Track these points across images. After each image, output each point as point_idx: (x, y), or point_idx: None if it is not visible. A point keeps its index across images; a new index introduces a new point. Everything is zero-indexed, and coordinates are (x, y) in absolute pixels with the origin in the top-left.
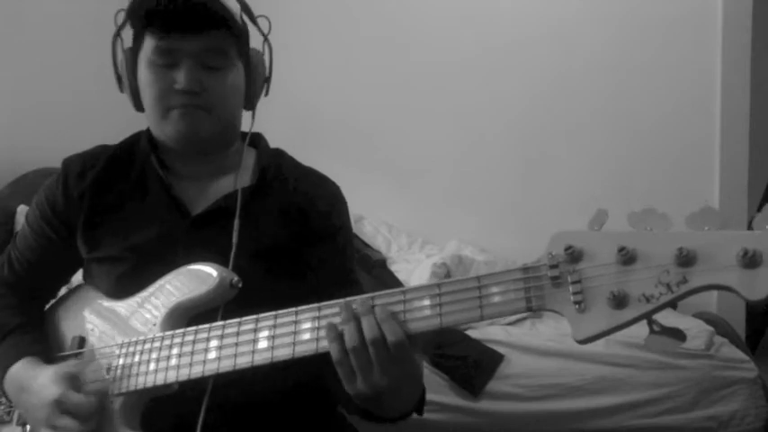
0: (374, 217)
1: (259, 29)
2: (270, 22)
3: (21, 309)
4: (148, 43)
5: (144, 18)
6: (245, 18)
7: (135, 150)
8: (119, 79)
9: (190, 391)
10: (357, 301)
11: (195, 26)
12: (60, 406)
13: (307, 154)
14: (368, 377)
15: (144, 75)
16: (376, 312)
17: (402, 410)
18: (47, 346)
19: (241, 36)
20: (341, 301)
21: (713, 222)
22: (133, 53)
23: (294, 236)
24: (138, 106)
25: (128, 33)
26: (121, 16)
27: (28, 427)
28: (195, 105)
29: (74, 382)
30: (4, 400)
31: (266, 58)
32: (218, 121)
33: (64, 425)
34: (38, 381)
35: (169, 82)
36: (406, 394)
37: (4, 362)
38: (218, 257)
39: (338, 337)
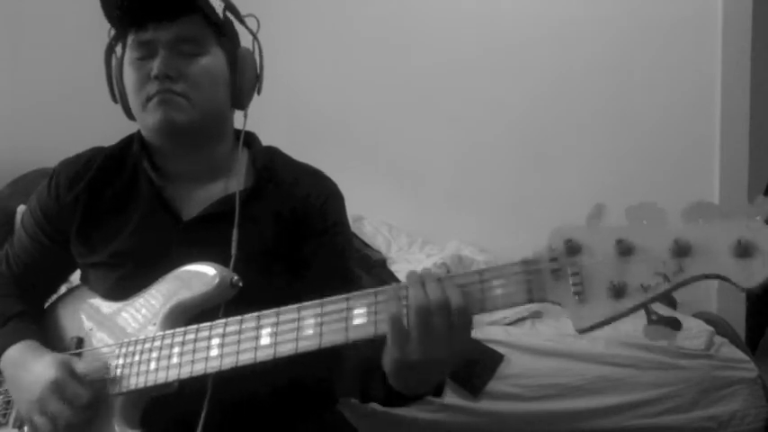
0: (374, 217)
1: (247, 27)
2: (258, 21)
3: (22, 299)
4: (130, 44)
5: (119, 18)
6: (232, 17)
7: (127, 153)
8: (112, 90)
9: (189, 389)
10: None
11: (167, 14)
12: (57, 389)
13: (306, 154)
14: (425, 341)
15: (127, 73)
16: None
17: (434, 384)
18: (46, 341)
19: (218, 24)
20: (343, 296)
21: (707, 215)
22: (120, 61)
23: (290, 236)
24: (129, 114)
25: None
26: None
27: (26, 428)
28: (171, 91)
29: (74, 373)
30: None
31: (256, 56)
32: (196, 108)
33: (55, 409)
34: (38, 361)
35: (146, 71)
36: (447, 366)
37: (4, 341)
38: (214, 261)
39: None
